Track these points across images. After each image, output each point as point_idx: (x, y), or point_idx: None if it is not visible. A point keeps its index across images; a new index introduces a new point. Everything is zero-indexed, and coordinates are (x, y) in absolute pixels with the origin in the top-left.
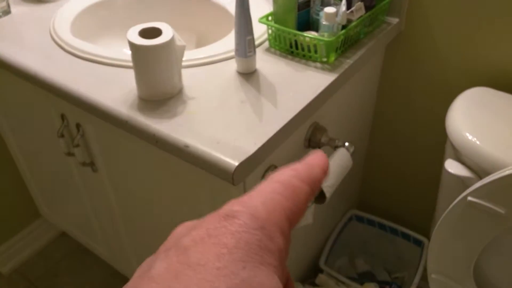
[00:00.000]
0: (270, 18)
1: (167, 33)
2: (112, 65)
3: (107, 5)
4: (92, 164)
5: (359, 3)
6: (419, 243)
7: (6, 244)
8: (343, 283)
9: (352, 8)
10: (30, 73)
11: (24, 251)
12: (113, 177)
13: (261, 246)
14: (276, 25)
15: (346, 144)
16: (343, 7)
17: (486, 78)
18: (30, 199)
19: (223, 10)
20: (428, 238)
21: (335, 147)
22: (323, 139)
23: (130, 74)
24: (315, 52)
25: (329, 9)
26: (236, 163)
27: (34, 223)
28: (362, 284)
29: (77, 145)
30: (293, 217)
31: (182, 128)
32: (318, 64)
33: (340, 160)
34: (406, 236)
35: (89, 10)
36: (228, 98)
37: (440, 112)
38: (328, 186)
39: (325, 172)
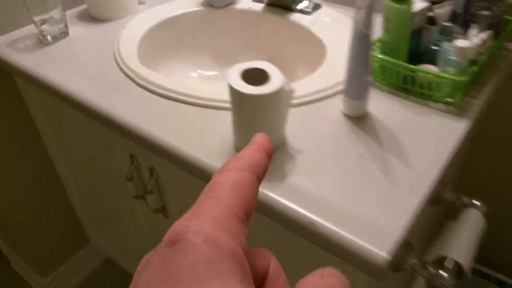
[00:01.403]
0: (375, 47)
1: (276, 77)
2: (197, 104)
3: (172, 23)
4: (163, 210)
5: (489, 31)
6: (503, 286)
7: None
8: None
9: (482, 37)
10: (102, 114)
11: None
12: None
13: (209, 260)
14: (387, 58)
15: (477, 202)
16: (475, 39)
17: None
18: (79, 225)
19: (302, 29)
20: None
21: (462, 206)
22: (447, 195)
23: (221, 117)
24: (438, 90)
25: (462, 43)
26: (388, 256)
27: (82, 250)
28: None
29: (151, 192)
30: (243, 208)
31: (297, 195)
32: (441, 106)
33: (472, 228)
34: (501, 284)
35: (154, 31)
36: (343, 151)
37: None
38: (466, 261)
39: (268, 153)
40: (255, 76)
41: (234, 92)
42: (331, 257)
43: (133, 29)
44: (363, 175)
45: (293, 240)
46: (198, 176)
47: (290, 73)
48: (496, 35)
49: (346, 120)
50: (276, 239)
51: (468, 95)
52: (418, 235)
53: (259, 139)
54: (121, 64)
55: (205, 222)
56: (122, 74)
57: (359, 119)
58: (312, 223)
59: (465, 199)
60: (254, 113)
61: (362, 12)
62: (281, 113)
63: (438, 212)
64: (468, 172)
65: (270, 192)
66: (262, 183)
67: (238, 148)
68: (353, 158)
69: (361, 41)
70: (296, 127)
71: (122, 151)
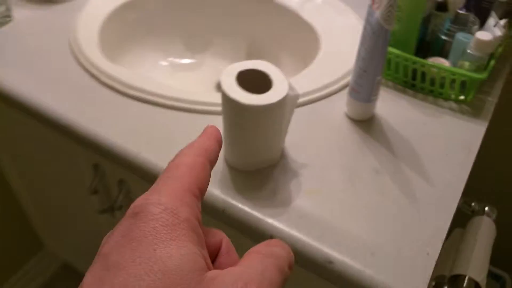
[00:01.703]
0: None
1: (279, 81)
2: (175, 108)
3: (136, 5)
4: None
5: (505, 19)
6: (498, 278)
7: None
8: None
9: (502, 28)
10: (60, 122)
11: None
12: None
13: (167, 224)
14: (396, 51)
15: (486, 208)
16: (496, 30)
17: None
18: (31, 232)
19: (289, 13)
20: (509, 273)
21: (472, 213)
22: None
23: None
24: (451, 88)
25: (484, 35)
26: None
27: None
28: None
29: (120, 208)
30: (197, 186)
31: (307, 224)
32: (453, 104)
33: (487, 238)
34: None
35: (116, 15)
36: (354, 164)
37: None
38: (483, 278)
39: (218, 142)
40: (253, 79)
41: (230, 102)
42: None
43: (91, 13)
44: (380, 196)
45: (306, 277)
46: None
47: (274, 63)
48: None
49: (351, 124)
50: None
51: (480, 91)
52: None
53: (210, 129)
54: (79, 57)
55: (164, 196)
56: (81, 69)
57: (366, 123)
58: (330, 261)
59: (476, 206)
60: (254, 125)
61: (383, 3)
62: (284, 123)
63: None
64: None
65: (275, 221)
66: (266, 210)
67: (230, 164)
68: (366, 172)
69: (379, 37)
70: (296, 134)
71: (83, 160)
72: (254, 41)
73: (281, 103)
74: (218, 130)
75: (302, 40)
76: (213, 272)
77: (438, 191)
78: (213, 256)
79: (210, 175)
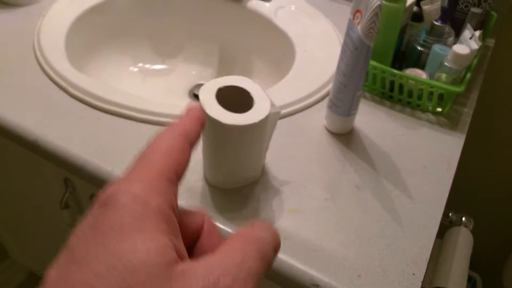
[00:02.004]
0: None
1: (261, 99)
2: (151, 122)
3: (104, 9)
4: None
5: (479, 30)
6: (469, 280)
7: None
8: None
9: (477, 40)
10: (27, 138)
11: None
12: None
13: (136, 215)
14: (374, 63)
15: (464, 219)
16: (471, 42)
17: None
18: None
19: (262, 19)
20: (479, 274)
21: (450, 223)
22: None
23: None
24: (429, 100)
25: (461, 49)
26: None
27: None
28: None
29: None
30: (174, 170)
31: (292, 245)
32: (431, 117)
33: (465, 249)
34: None
35: (82, 20)
36: (335, 180)
37: None
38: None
39: (201, 121)
40: (232, 95)
41: (211, 121)
42: None
43: (55, 18)
44: (363, 214)
45: None
46: None
47: (247, 70)
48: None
49: (331, 137)
50: None
51: (456, 102)
52: None
53: (192, 111)
54: (45, 66)
55: (134, 184)
56: (48, 80)
57: (345, 136)
58: (316, 284)
59: (453, 216)
60: (235, 145)
61: (364, 18)
62: (266, 141)
63: None
64: None
65: None
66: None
67: (210, 183)
68: (348, 188)
69: (361, 53)
70: (276, 149)
71: (52, 174)
72: (227, 46)
73: (263, 122)
74: (199, 110)
75: (276, 47)
76: (185, 264)
77: (420, 207)
78: (195, 238)
79: (189, 158)
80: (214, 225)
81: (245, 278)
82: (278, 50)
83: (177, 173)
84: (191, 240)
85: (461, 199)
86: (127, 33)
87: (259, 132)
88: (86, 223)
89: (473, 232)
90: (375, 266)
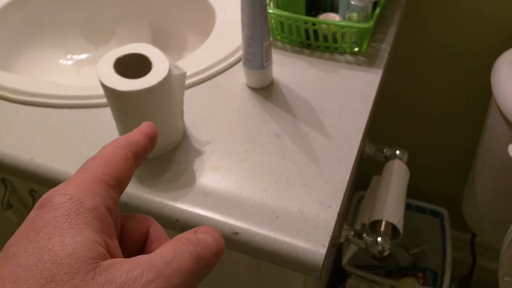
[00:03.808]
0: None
1: (159, 62)
2: (72, 106)
3: (22, 4)
4: None
5: None
6: (436, 215)
7: None
8: (374, 282)
9: None
10: None
11: None
12: None
13: (69, 213)
14: (284, 13)
15: (398, 152)
16: None
17: None
18: None
19: None
20: (446, 208)
21: (385, 158)
22: (366, 149)
23: (97, 115)
24: (343, 41)
25: None
26: (323, 251)
27: None
28: (390, 272)
29: None
30: (114, 177)
31: (213, 200)
32: (349, 57)
33: (399, 179)
34: (421, 210)
35: (2, 16)
36: (256, 133)
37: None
38: (399, 220)
39: (148, 135)
40: (135, 64)
41: (108, 91)
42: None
43: None
44: (282, 159)
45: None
46: None
47: (181, 44)
48: None
49: (252, 94)
50: None
51: (374, 40)
52: (345, 203)
53: (142, 126)
54: None
55: (72, 186)
56: None
57: (266, 89)
58: (235, 232)
59: (387, 151)
60: (140, 111)
61: None
62: (175, 103)
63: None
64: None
65: (179, 203)
66: (169, 194)
67: None
68: (267, 138)
69: (256, 2)
70: (196, 111)
71: None
72: (158, 24)
73: (163, 84)
74: (151, 126)
75: (201, 15)
76: (113, 260)
77: (337, 144)
78: (139, 244)
79: (133, 167)
80: (162, 230)
81: (171, 275)
82: (203, 18)
83: (117, 180)
84: (137, 243)
85: (398, 134)
86: (54, 26)
87: (162, 95)
88: (24, 224)
89: (428, 164)
90: (293, 205)
